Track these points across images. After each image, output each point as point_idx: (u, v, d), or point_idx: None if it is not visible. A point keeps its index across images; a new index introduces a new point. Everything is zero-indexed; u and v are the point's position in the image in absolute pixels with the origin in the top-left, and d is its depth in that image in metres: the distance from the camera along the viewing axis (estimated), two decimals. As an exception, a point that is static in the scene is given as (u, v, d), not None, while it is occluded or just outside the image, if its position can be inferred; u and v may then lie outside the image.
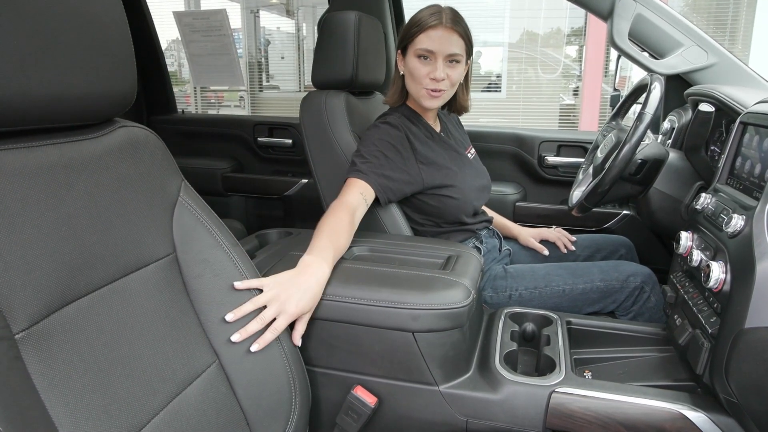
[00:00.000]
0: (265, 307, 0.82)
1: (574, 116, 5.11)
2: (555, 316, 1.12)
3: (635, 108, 1.32)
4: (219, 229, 0.81)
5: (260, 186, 2.35)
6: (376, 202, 1.17)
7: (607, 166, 1.15)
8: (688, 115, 1.36)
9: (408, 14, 1.96)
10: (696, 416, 0.85)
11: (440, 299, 0.90)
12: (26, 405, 0.51)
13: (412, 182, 1.22)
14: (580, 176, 1.43)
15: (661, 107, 1.56)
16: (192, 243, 0.77)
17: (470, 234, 1.34)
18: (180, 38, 2.50)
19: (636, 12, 1.37)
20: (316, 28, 3.60)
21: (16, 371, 0.51)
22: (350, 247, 1.13)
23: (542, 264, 1.35)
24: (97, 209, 0.64)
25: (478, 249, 1.34)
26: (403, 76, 1.27)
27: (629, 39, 1.38)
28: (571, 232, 1.54)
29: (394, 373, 0.96)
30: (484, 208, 1.48)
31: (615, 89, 1.55)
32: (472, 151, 1.44)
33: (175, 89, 3.04)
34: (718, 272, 0.82)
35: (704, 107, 1.09)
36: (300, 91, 5.97)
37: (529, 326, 1.13)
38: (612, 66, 4.24)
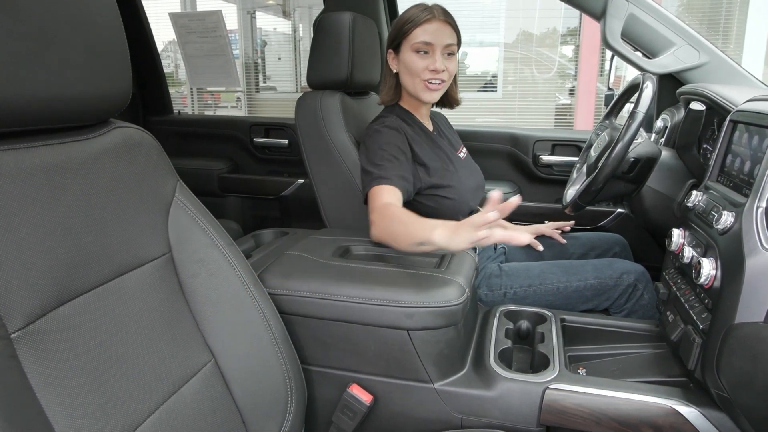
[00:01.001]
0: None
1: (569, 115, 5.12)
2: (549, 314, 1.13)
3: (628, 107, 1.33)
4: (214, 228, 0.81)
5: (256, 186, 2.35)
6: None
7: (600, 164, 1.16)
8: (680, 114, 1.37)
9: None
10: (688, 411, 0.86)
11: (435, 297, 0.91)
12: (22, 404, 0.52)
13: (415, 182, 1.23)
14: (574, 175, 1.44)
15: (654, 106, 1.57)
16: (187, 243, 0.78)
17: (466, 233, 1.35)
18: (176, 39, 2.50)
19: (628, 12, 1.38)
20: (312, 28, 3.60)
21: (11, 370, 0.52)
22: (346, 246, 1.13)
23: (537, 262, 1.35)
24: (92, 209, 0.65)
25: (473, 247, 1.34)
26: (396, 74, 1.28)
27: (622, 38, 1.39)
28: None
29: (389, 371, 0.96)
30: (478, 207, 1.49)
31: (609, 88, 1.56)
32: (464, 150, 1.45)
33: (172, 90, 3.03)
34: (708, 269, 0.83)
35: (695, 106, 1.10)
36: (297, 91, 5.95)
37: (524, 324, 1.13)
38: (607, 65, 4.26)
